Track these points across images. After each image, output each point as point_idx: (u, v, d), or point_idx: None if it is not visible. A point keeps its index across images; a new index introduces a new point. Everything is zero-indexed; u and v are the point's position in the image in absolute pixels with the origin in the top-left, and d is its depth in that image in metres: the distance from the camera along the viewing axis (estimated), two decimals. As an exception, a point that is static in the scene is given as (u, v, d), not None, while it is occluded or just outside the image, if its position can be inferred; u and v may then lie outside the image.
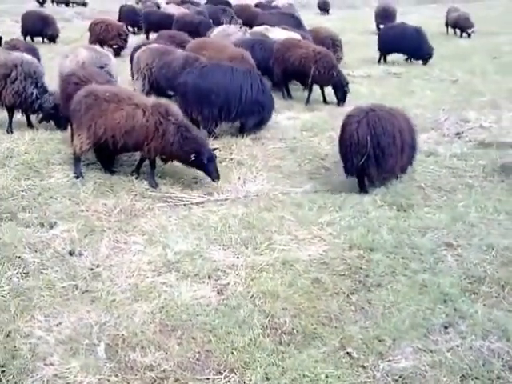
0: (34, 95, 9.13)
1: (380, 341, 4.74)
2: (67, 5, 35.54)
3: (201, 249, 6.28)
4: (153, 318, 5.04)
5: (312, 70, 11.10)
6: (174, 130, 7.50)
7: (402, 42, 15.93)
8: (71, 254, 6.22)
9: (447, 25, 20.90)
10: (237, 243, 6.43)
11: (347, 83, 11.78)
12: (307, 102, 12.15)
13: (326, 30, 14.14)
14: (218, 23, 16.96)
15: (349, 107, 11.62)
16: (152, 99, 7.97)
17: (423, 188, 7.91)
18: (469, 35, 20.41)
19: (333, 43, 13.13)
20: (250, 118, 9.61)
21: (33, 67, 9.16)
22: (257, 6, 21.24)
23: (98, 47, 11.74)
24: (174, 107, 7.73)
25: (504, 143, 9.77)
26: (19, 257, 6.05)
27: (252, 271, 5.84)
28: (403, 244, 6.33)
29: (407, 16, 26.74)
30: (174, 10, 19.12)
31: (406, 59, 16.82)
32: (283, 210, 7.27)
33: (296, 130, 10.30)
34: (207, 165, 7.66)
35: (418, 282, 5.57)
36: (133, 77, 10.97)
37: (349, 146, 7.46)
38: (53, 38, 19.95)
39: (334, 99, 12.26)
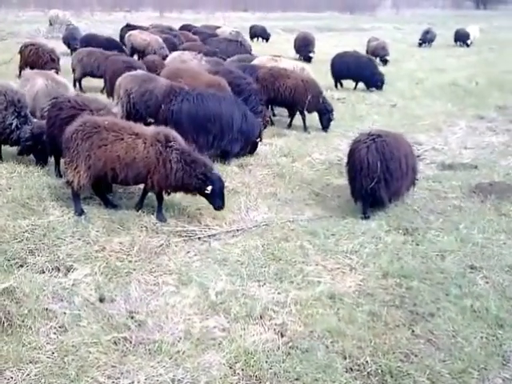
0: (14, 125, 8.04)
1: (467, 373, 4.50)
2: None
3: (239, 286, 5.75)
4: (233, 370, 4.46)
5: (308, 98, 10.87)
6: (177, 156, 6.71)
7: (356, 70, 16.07)
8: (102, 300, 5.45)
9: (367, 52, 21.59)
10: (270, 277, 5.98)
11: (332, 109, 11.66)
12: (305, 129, 11.94)
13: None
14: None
15: (312, 133, 11.73)
16: (152, 128, 7.19)
17: (417, 211, 7.86)
18: (385, 62, 21.16)
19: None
20: (236, 145, 9.17)
21: (17, 96, 8.07)
22: (194, 33, 20.54)
23: (55, 75, 10.67)
24: (173, 133, 6.96)
25: (465, 164, 10.09)
26: (47, 308, 5.21)
27: (302, 308, 5.41)
28: (431, 269, 6.20)
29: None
30: (147, 37, 17.80)
31: (355, 87, 17.04)
32: (299, 239, 6.89)
33: (275, 155, 9.95)
34: (217, 192, 6.92)
35: (466, 308, 5.42)
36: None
37: (359, 171, 7.30)
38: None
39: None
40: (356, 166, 7.38)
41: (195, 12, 60.96)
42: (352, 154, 7.53)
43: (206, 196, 6.99)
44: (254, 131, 9.36)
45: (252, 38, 29.76)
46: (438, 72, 20.81)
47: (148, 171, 6.76)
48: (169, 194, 7.19)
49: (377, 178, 7.26)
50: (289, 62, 13.35)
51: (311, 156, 10.04)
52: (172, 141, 6.76)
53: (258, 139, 9.56)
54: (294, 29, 40.90)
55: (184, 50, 15.13)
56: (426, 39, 31.90)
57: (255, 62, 13.10)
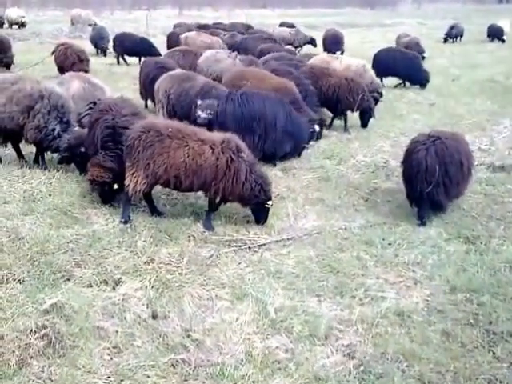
0: (56, 132, 7.75)
1: (562, 405, 4.11)
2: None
3: (298, 302, 5.40)
4: (307, 399, 4.12)
5: (353, 98, 10.53)
6: (247, 168, 6.58)
7: (402, 66, 15.59)
8: (154, 317, 5.14)
9: (397, 49, 20.98)
10: (330, 292, 5.62)
11: (373, 107, 11.29)
12: (345, 129, 11.59)
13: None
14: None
15: (352, 134, 11.32)
16: (219, 134, 6.92)
17: (476, 217, 7.43)
18: (423, 58, 20.49)
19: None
20: (281, 147, 8.84)
21: (61, 100, 7.77)
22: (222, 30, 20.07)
23: (92, 78, 10.30)
24: (242, 143, 6.79)
25: (518, 166, 9.59)
26: (98, 326, 4.91)
27: (369, 327, 5.03)
28: (502, 282, 5.78)
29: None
30: (207, 39, 16.74)
31: (396, 85, 16.57)
32: (355, 248, 6.52)
33: (318, 158, 9.58)
34: (269, 209, 6.92)
35: (548, 328, 5.01)
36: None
37: (416, 174, 6.96)
38: (7, 65, 17.62)
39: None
40: (413, 168, 7.02)
41: (214, 9, 60.68)
42: (409, 155, 7.18)
43: (259, 209, 6.93)
44: (301, 134, 9.00)
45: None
46: (472, 68, 20.23)
47: (214, 178, 6.52)
48: (225, 202, 6.98)
49: (435, 182, 6.89)
50: (350, 60, 12.93)
51: (356, 158, 9.63)
52: (242, 151, 6.63)
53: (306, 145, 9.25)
54: (315, 25, 40.47)
55: (262, 50, 14.64)
56: (452, 34, 31.15)
57: (314, 61, 12.63)
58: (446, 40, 31.19)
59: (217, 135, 6.82)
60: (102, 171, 6.98)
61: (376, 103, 12.25)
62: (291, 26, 27.49)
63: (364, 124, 11.57)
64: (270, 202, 6.79)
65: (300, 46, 24.08)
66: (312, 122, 9.50)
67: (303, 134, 9.06)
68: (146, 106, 12.30)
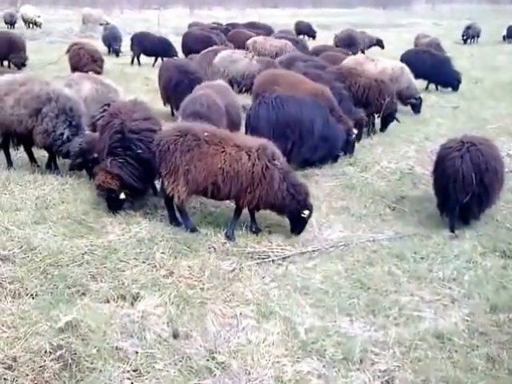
0: (65, 136, 7.48)
1: None
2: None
3: (329, 322, 5.10)
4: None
5: (383, 100, 10.23)
6: (280, 176, 6.35)
7: (433, 68, 15.09)
8: (176, 336, 4.86)
9: (416, 50, 20.58)
10: (362, 310, 5.31)
11: (396, 110, 11.04)
12: (368, 133, 11.25)
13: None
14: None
15: (374, 138, 10.99)
16: (254, 140, 6.67)
17: (511, 229, 7.11)
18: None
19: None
20: (316, 152, 8.58)
21: (70, 103, 7.50)
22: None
23: (104, 79, 10.01)
24: (278, 150, 6.55)
25: (552, 174, 9.21)
26: (117, 347, 4.63)
27: (406, 350, 4.73)
28: (546, 302, 5.45)
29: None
30: (277, 43, 15.90)
31: (426, 87, 16.22)
32: (385, 262, 6.21)
33: (341, 164, 9.26)
34: (306, 220, 6.67)
35: None
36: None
37: (452, 183, 6.66)
38: (17, 65, 17.25)
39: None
40: (449, 176, 6.73)
41: (225, 9, 60.52)
42: (442, 161, 6.90)
43: (295, 218, 6.69)
44: (337, 140, 8.78)
45: (298, 35, 28.79)
46: (494, 70, 19.80)
47: (249, 185, 6.30)
48: (258, 210, 6.76)
49: (471, 192, 6.59)
50: (387, 61, 12.64)
51: (380, 165, 9.31)
52: (277, 158, 6.40)
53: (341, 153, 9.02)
54: (328, 25, 40.08)
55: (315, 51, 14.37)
56: (469, 35, 30.71)
57: (349, 62, 12.34)
58: (465, 41, 30.76)
59: (252, 140, 6.60)
60: (108, 178, 6.71)
61: (417, 108, 12.50)
62: (308, 25, 27.18)
63: (385, 127, 11.29)
64: (306, 212, 6.52)
65: (365, 48, 23.93)
66: (350, 131, 9.31)
67: (339, 140, 8.85)
68: (173, 114, 11.74)
